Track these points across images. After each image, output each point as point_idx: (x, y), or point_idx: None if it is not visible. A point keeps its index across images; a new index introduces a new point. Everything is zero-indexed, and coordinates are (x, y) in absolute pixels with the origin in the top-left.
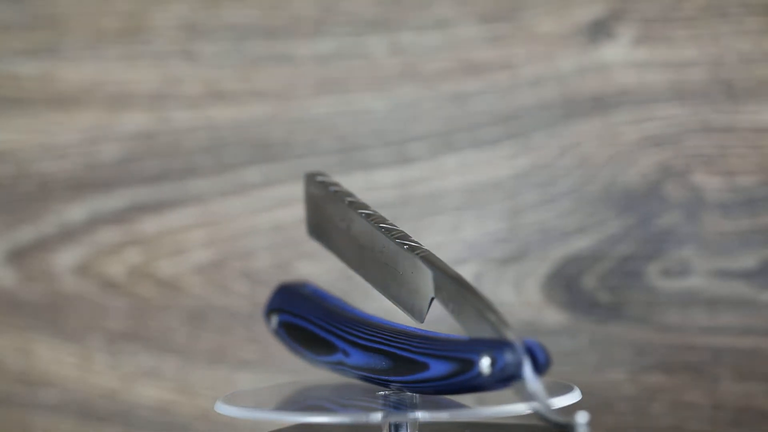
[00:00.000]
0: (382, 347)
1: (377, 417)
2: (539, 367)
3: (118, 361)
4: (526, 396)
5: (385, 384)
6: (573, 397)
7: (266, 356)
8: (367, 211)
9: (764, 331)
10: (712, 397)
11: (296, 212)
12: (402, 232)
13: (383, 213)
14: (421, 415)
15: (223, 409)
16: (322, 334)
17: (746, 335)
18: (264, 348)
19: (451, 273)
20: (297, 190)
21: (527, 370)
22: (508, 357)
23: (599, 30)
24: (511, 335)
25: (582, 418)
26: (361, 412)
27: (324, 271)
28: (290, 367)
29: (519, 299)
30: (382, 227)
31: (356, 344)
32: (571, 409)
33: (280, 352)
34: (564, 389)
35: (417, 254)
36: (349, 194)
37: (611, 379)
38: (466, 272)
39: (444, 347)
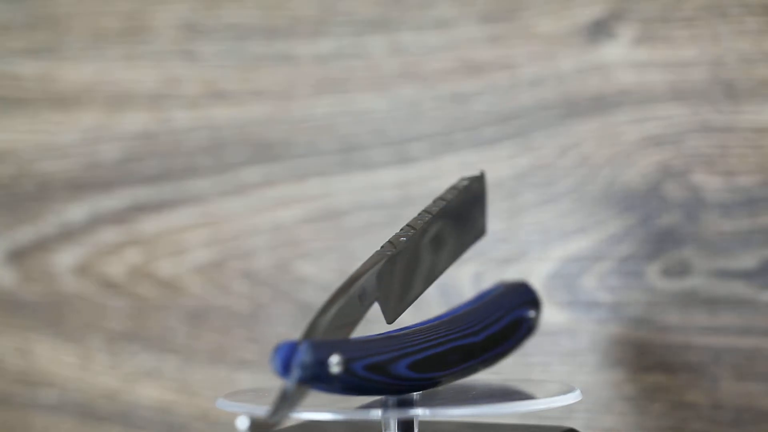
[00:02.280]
0: None
1: (377, 414)
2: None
3: (118, 361)
4: None
5: None
6: (573, 397)
7: (266, 356)
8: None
9: (764, 331)
10: (712, 397)
11: (296, 212)
12: (403, 231)
13: (383, 213)
14: (420, 413)
15: (225, 405)
16: None
17: (746, 335)
18: (264, 348)
19: (355, 273)
20: (297, 190)
21: (280, 372)
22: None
23: (599, 30)
24: (311, 336)
25: (242, 424)
26: (360, 409)
27: (324, 271)
28: None
29: None
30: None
31: None
32: (569, 409)
33: None
34: (564, 389)
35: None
36: (443, 198)
37: (611, 379)
38: (466, 272)
39: None
